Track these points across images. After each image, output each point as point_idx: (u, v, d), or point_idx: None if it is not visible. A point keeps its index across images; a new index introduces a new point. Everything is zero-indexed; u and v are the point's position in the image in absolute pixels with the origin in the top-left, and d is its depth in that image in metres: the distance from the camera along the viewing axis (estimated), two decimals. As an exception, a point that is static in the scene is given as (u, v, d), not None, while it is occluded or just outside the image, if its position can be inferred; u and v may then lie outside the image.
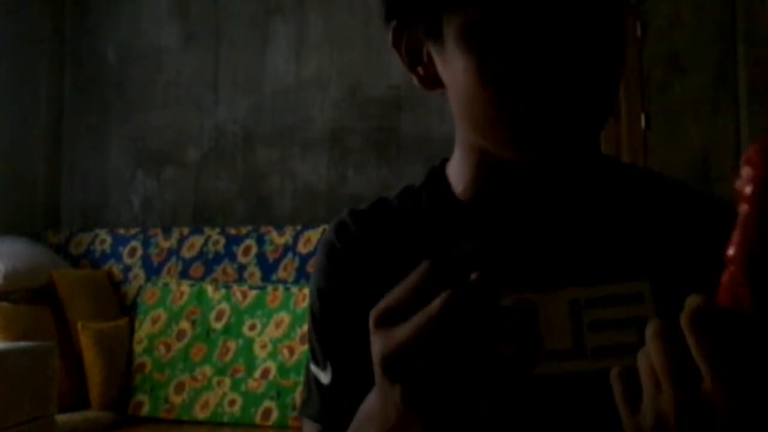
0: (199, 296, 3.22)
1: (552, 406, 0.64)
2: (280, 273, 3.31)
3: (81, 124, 3.96)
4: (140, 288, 3.39)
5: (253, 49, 3.78)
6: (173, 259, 3.46)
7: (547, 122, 0.59)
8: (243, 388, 3.02)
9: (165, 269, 3.45)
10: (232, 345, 3.10)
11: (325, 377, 0.72)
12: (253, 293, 3.17)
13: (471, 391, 0.47)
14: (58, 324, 3.11)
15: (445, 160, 0.75)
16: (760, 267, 0.42)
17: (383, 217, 0.74)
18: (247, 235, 3.42)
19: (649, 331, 0.44)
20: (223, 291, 3.21)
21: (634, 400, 0.46)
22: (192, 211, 3.79)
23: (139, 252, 3.52)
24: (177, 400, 3.06)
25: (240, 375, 3.04)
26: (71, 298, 3.21)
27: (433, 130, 3.24)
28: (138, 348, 3.18)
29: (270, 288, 3.17)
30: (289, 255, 3.32)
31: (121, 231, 3.63)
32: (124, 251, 3.54)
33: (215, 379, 3.06)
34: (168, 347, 3.16)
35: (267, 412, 2.96)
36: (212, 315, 3.17)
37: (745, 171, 0.42)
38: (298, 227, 3.38)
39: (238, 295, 3.18)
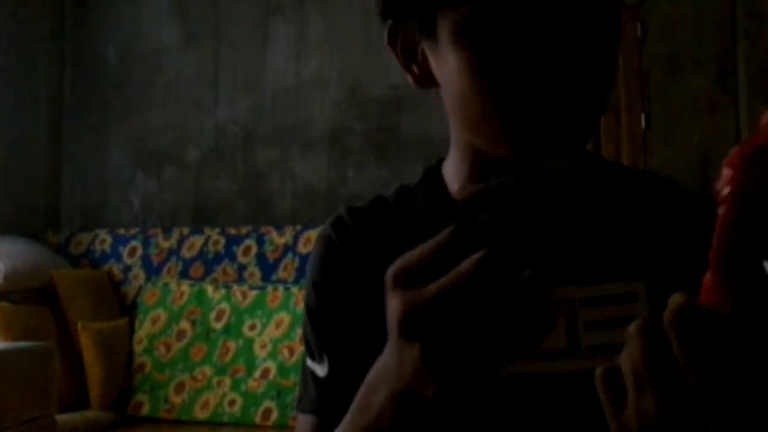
0: (199, 296, 3.22)
1: (550, 406, 0.64)
2: (280, 273, 3.31)
3: (81, 124, 3.96)
4: (140, 288, 3.39)
5: (253, 49, 3.78)
6: (173, 259, 3.46)
7: (539, 121, 0.59)
8: (243, 388, 3.02)
9: (165, 269, 3.45)
10: (232, 345, 3.10)
11: (321, 370, 0.72)
12: (253, 293, 3.17)
13: (488, 355, 0.46)
14: (58, 324, 3.11)
15: (441, 160, 0.75)
16: (737, 268, 0.42)
17: (380, 214, 0.75)
18: (247, 235, 3.43)
19: (632, 329, 0.44)
20: (223, 291, 3.21)
21: (618, 401, 0.45)
22: (192, 211, 3.79)
23: (139, 252, 3.52)
24: (177, 400, 3.06)
25: (240, 375, 3.04)
26: (71, 298, 3.21)
27: (433, 130, 3.24)
28: (138, 348, 3.18)
29: (270, 288, 3.17)
30: (289, 255, 3.32)
31: (121, 231, 3.63)
32: (124, 251, 3.54)
33: (215, 379, 3.06)
34: (168, 347, 3.16)
35: (267, 412, 2.96)
36: (212, 315, 3.17)
37: (725, 172, 0.42)
38: (298, 227, 3.38)
39: (238, 295, 3.18)
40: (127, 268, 3.50)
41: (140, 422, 3.04)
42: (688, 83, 3.40)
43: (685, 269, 0.55)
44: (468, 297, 0.45)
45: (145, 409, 3.07)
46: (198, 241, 3.47)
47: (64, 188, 3.95)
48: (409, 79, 0.69)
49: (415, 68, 0.67)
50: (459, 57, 0.60)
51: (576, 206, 0.68)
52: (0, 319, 2.87)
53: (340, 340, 0.72)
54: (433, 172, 0.75)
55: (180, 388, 3.08)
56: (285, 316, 3.07)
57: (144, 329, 3.21)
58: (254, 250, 3.39)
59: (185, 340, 3.15)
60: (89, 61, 3.97)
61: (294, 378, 2.92)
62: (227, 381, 3.05)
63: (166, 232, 3.55)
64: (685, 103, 3.40)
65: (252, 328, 3.10)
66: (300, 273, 3.23)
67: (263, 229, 3.43)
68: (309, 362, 0.74)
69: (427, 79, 0.67)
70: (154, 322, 3.21)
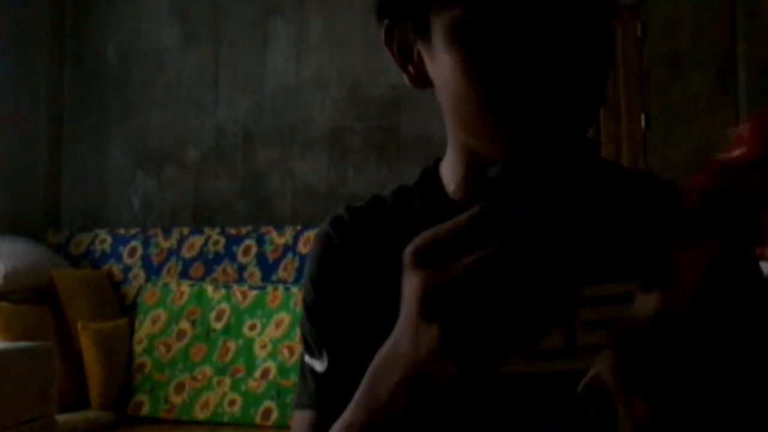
0: (199, 296, 3.22)
1: (549, 406, 0.64)
2: (280, 273, 3.31)
3: (81, 124, 3.96)
4: (140, 288, 3.39)
5: (253, 49, 3.78)
6: (173, 259, 3.46)
7: (531, 123, 0.59)
8: (243, 388, 3.02)
9: (165, 269, 3.45)
10: (232, 345, 3.10)
11: (320, 365, 0.72)
12: (253, 293, 3.17)
13: (508, 339, 0.46)
14: (58, 324, 3.11)
15: (439, 160, 0.76)
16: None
17: (378, 214, 0.76)
18: (247, 235, 3.43)
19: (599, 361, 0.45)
20: (223, 291, 3.21)
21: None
22: (192, 211, 3.79)
23: (139, 252, 3.52)
24: (177, 400, 3.06)
25: (240, 375, 3.04)
26: (71, 298, 3.21)
27: (433, 130, 3.24)
28: (138, 348, 3.18)
29: (270, 288, 3.17)
30: (289, 255, 3.32)
31: (121, 231, 3.63)
32: (124, 251, 3.54)
33: (215, 379, 3.06)
34: (168, 347, 3.16)
35: (267, 412, 2.96)
36: (212, 315, 3.17)
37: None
38: (298, 227, 3.38)
39: (238, 295, 3.18)
40: (127, 268, 3.50)
41: (140, 422, 3.04)
42: (688, 83, 3.40)
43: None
44: (492, 279, 0.45)
45: (145, 409, 3.07)
46: (198, 241, 3.48)
47: (64, 188, 3.95)
48: (406, 79, 0.69)
49: (411, 68, 0.68)
50: (452, 58, 0.60)
51: (570, 206, 0.68)
52: (0, 319, 2.87)
53: (339, 335, 0.72)
54: (431, 173, 0.75)
55: (180, 388, 3.08)
56: (285, 316, 3.07)
57: (144, 329, 3.21)
58: (254, 250, 3.39)
59: (185, 340, 3.15)
60: (89, 61, 3.97)
61: (294, 378, 2.92)
62: (227, 381, 3.05)
63: (166, 232, 3.55)
64: (685, 103, 3.40)
65: (252, 328, 3.10)
66: (300, 273, 3.23)
67: (263, 229, 3.43)
68: (308, 359, 0.74)
69: (422, 80, 0.67)
70: (154, 322, 3.21)
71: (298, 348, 2.98)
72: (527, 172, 0.49)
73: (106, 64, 3.94)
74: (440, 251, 0.47)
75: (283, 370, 2.98)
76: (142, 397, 3.10)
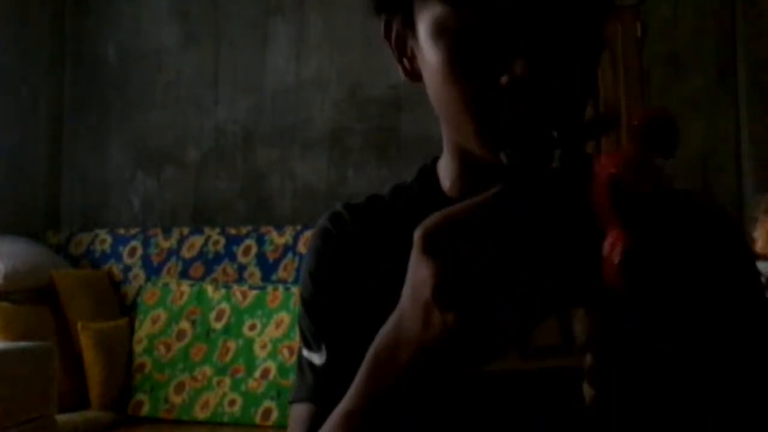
0: (199, 296, 3.22)
1: (541, 403, 0.64)
2: (280, 273, 3.31)
3: (81, 124, 3.96)
4: (140, 288, 3.39)
5: (253, 49, 3.79)
6: (173, 259, 3.46)
7: (510, 122, 0.58)
8: (243, 388, 3.02)
9: (165, 269, 3.45)
10: (232, 345, 3.10)
11: (318, 359, 0.72)
12: (253, 293, 3.17)
13: (519, 320, 0.46)
14: (58, 324, 3.11)
15: (437, 159, 0.76)
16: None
17: (376, 210, 0.76)
18: (247, 235, 3.43)
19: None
20: (223, 291, 3.21)
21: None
22: (192, 211, 3.79)
23: (139, 252, 3.52)
24: (177, 400, 3.06)
25: (240, 375, 3.04)
26: (71, 298, 3.21)
27: (433, 130, 3.21)
28: (138, 348, 3.18)
29: (270, 288, 3.17)
30: (289, 255, 3.32)
31: (121, 231, 3.63)
32: (124, 251, 3.54)
33: (215, 379, 3.06)
34: (168, 347, 3.16)
35: (267, 412, 2.96)
36: (212, 315, 3.17)
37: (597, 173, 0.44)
38: (298, 227, 3.38)
39: (238, 295, 3.18)
40: (127, 268, 3.50)
41: (140, 422, 3.04)
42: (688, 83, 3.40)
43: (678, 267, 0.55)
44: (506, 267, 0.45)
45: (145, 409, 3.07)
46: (198, 241, 3.48)
47: (64, 188, 3.95)
48: (401, 73, 0.70)
49: (405, 62, 0.69)
50: (435, 54, 0.61)
51: (566, 204, 0.68)
52: (0, 319, 2.87)
53: (337, 328, 0.72)
54: (428, 171, 0.76)
55: (180, 388, 3.08)
56: (285, 316, 3.07)
57: (144, 329, 3.21)
58: (254, 250, 3.39)
59: (185, 340, 3.15)
60: (89, 61, 3.97)
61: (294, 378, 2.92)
62: (227, 381, 3.05)
63: (166, 232, 3.55)
64: (685, 103, 3.40)
65: (252, 328, 3.10)
66: (300, 273, 3.23)
67: (263, 229, 3.43)
68: (306, 353, 0.74)
69: (415, 74, 0.68)
70: (154, 322, 3.21)
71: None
72: (534, 161, 0.49)
73: (106, 64, 3.94)
74: (451, 236, 0.46)
75: (283, 370, 2.98)
76: (142, 397, 3.10)
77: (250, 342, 3.07)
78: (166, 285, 3.31)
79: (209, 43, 3.84)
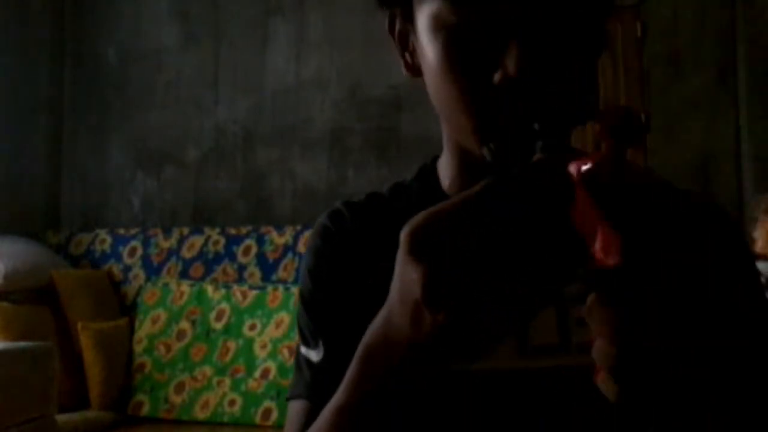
0: (199, 296, 3.22)
1: (539, 403, 0.64)
2: (280, 273, 3.31)
3: (81, 124, 3.96)
4: (140, 288, 3.39)
5: (253, 49, 3.79)
6: (173, 259, 3.46)
7: (506, 119, 0.58)
8: (243, 388, 3.02)
9: (165, 269, 3.45)
10: (232, 345, 3.10)
11: (316, 356, 0.73)
12: (253, 293, 3.17)
13: (508, 316, 0.46)
14: (58, 324, 3.11)
15: (437, 157, 0.77)
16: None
17: (376, 208, 0.77)
18: (247, 235, 3.43)
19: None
20: (223, 291, 3.21)
21: None
22: (192, 211, 3.79)
23: (139, 252, 3.52)
24: (177, 400, 3.06)
25: (240, 375, 3.04)
26: (71, 298, 3.21)
27: (433, 130, 3.22)
28: (138, 348, 3.18)
29: (270, 288, 3.17)
30: (289, 255, 3.32)
31: (121, 231, 3.63)
32: (124, 251, 3.54)
33: (215, 379, 3.06)
34: (168, 347, 3.16)
35: (267, 412, 2.96)
36: (212, 315, 3.17)
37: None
38: (298, 227, 3.38)
39: (238, 295, 3.18)
40: (127, 268, 3.50)
41: (140, 422, 3.04)
42: (688, 83, 3.40)
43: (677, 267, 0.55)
44: (494, 262, 0.45)
45: (145, 409, 3.07)
46: (198, 241, 3.48)
47: (64, 188, 3.95)
48: (402, 67, 0.70)
49: (407, 56, 0.69)
50: (432, 49, 0.61)
51: (550, 199, 0.68)
52: (0, 319, 2.87)
53: (335, 325, 0.72)
54: (428, 169, 0.76)
55: (180, 388, 3.08)
56: (285, 316, 3.07)
57: (144, 329, 3.21)
58: (254, 250, 3.39)
59: (185, 340, 3.15)
60: (89, 61, 3.97)
61: (294, 378, 2.92)
62: (227, 381, 3.05)
63: (166, 232, 3.55)
64: (685, 103, 3.40)
65: (252, 328, 3.10)
66: (300, 272, 3.23)
67: (263, 229, 3.43)
68: (303, 350, 0.74)
69: (416, 69, 0.68)
70: (154, 322, 3.21)
71: (298, 348, 2.99)
72: (520, 158, 0.49)
73: (106, 64, 3.94)
74: (437, 234, 0.46)
75: (283, 370, 2.98)
76: (142, 397, 3.10)
77: (250, 342, 3.07)
78: (166, 285, 3.31)
79: (209, 43, 3.84)
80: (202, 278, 3.38)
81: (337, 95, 3.67)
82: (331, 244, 0.75)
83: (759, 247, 2.85)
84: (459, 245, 0.45)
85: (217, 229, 3.50)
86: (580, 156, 0.45)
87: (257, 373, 3.02)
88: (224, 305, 3.17)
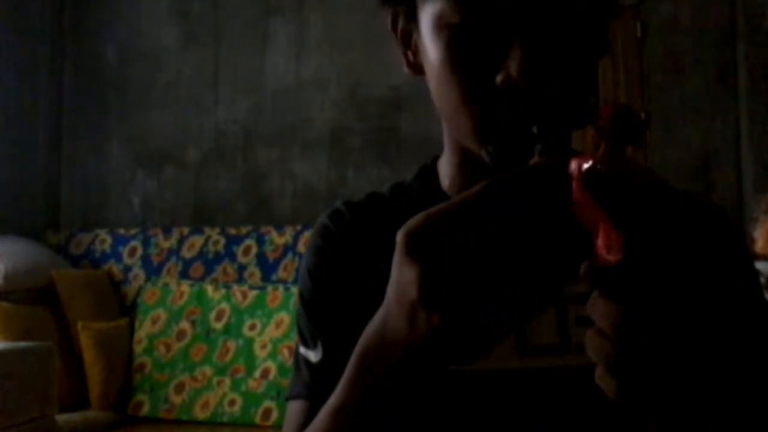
0: (199, 296, 3.22)
1: (539, 402, 0.64)
2: (280, 273, 3.31)
3: (81, 124, 3.96)
4: (140, 288, 3.39)
5: (253, 49, 3.79)
6: (173, 259, 3.46)
7: (507, 120, 0.58)
8: (243, 388, 3.02)
9: (165, 269, 3.45)
10: (232, 345, 3.10)
11: (314, 356, 0.73)
12: (253, 293, 3.17)
13: (504, 318, 0.46)
14: (58, 324, 3.11)
15: (437, 157, 0.77)
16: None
17: (376, 207, 0.77)
18: (247, 235, 3.43)
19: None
20: (223, 291, 3.21)
21: None
22: (192, 211, 3.79)
23: (139, 252, 3.52)
24: (177, 400, 3.06)
25: (240, 375, 3.04)
26: (71, 298, 3.21)
27: (433, 130, 3.22)
28: (138, 348, 3.18)
29: (270, 288, 3.17)
30: (289, 255, 3.32)
31: (121, 231, 3.63)
32: (124, 251, 3.54)
33: (215, 379, 3.06)
34: (168, 347, 3.16)
35: (267, 412, 2.96)
36: (212, 315, 3.17)
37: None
38: (298, 227, 3.38)
39: (238, 295, 3.18)
40: (127, 268, 3.50)
41: (140, 422, 3.04)
42: (688, 83, 3.40)
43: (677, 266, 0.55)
44: (490, 263, 0.45)
45: (145, 409, 3.07)
46: (198, 241, 3.48)
47: (64, 188, 3.95)
48: (404, 65, 0.70)
49: (409, 54, 0.69)
50: (435, 49, 0.61)
51: (548, 200, 0.68)
52: (0, 319, 2.87)
53: (334, 325, 0.72)
54: (428, 169, 0.76)
55: (180, 388, 3.08)
56: (285, 316, 3.07)
57: (144, 329, 3.21)
58: (254, 250, 3.39)
59: (185, 340, 3.15)
60: (89, 61, 3.97)
61: (294, 378, 2.92)
62: (227, 381, 3.05)
63: (166, 232, 3.55)
64: (685, 103, 3.40)
65: (252, 328, 3.10)
66: (300, 273, 3.23)
67: (263, 229, 3.43)
68: (302, 350, 0.75)
69: (418, 67, 0.68)
70: (154, 322, 3.21)
71: (298, 348, 2.99)
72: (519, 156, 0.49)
73: (106, 63, 3.94)
74: (434, 235, 0.46)
75: (283, 370, 2.98)
76: (142, 397, 3.10)
77: (250, 342, 3.07)
78: (166, 285, 3.31)
79: (209, 43, 3.84)
80: (202, 278, 3.38)
81: (337, 95, 3.67)
82: (331, 244, 0.75)
83: (759, 247, 2.85)
84: (456, 246, 0.45)
85: (217, 229, 3.50)
86: (579, 156, 0.45)
87: (257, 373, 3.02)
88: (224, 305, 3.17)
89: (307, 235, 3.29)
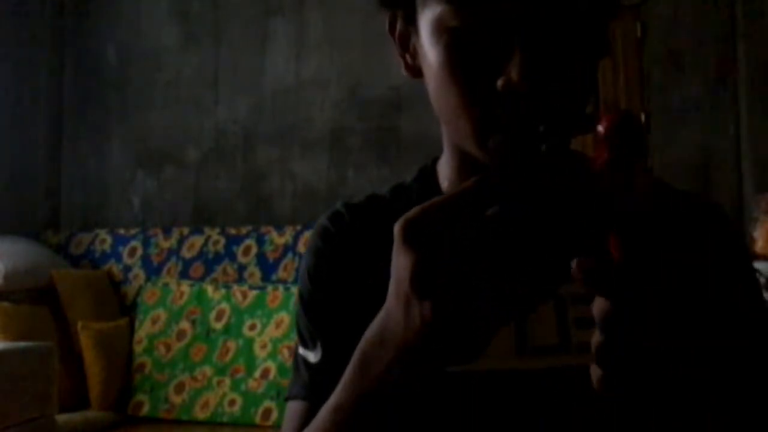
0: (199, 296, 3.22)
1: (539, 402, 0.64)
2: (280, 273, 3.31)
3: (81, 124, 3.96)
4: (140, 288, 3.39)
5: (253, 49, 3.79)
6: (173, 259, 3.46)
7: (507, 122, 0.58)
8: (243, 388, 3.02)
9: (165, 269, 3.45)
10: (232, 345, 3.10)
11: (314, 357, 0.73)
12: (253, 293, 3.17)
13: (500, 313, 0.46)
14: (58, 324, 3.11)
15: (437, 159, 0.77)
16: None
17: (376, 209, 0.77)
18: (247, 235, 3.43)
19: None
20: (223, 291, 3.21)
21: None
22: (192, 211, 3.79)
23: (139, 252, 3.52)
24: (177, 400, 3.06)
25: (240, 375, 3.04)
26: (71, 298, 3.21)
27: (433, 130, 3.21)
28: (138, 348, 3.18)
29: (270, 288, 3.17)
30: (289, 255, 3.32)
31: (121, 231, 3.63)
32: (124, 251, 3.54)
33: (215, 379, 3.06)
34: (168, 347, 3.16)
35: (267, 412, 2.96)
36: (212, 315, 3.17)
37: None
38: (298, 227, 3.38)
39: (238, 295, 3.18)
40: (127, 268, 3.50)
41: (140, 422, 3.04)
42: (688, 83, 3.40)
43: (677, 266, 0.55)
44: (486, 254, 0.44)
45: (145, 409, 3.07)
46: (198, 241, 3.48)
47: (64, 188, 3.95)
48: (402, 68, 0.70)
49: (407, 57, 0.69)
50: (434, 52, 0.61)
51: (550, 193, 0.68)
52: (0, 319, 2.87)
53: (333, 326, 0.72)
54: (428, 171, 0.77)
55: (180, 388, 3.08)
56: (285, 316, 3.07)
57: (144, 329, 3.21)
58: (254, 250, 3.39)
59: (185, 340, 3.15)
60: (89, 61, 3.97)
61: (294, 378, 2.92)
62: (227, 381, 3.05)
63: (166, 232, 3.55)
64: (685, 103, 3.40)
65: (252, 328, 3.10)
66: (299, 273, 3.23)
67: (263, 229, 3.43)
68: (301, 350, 0.75)
69: (416, 70, 0.68)
70: (154, 322, 3.21)
71: (298, 348, 2.99)
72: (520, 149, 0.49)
73: (106, 64, 3.94)
74: (431, 225, 0.46)
75: (283, 370, 2.98)
76: (142, 397, 3.10)
77: (250, 342, 3.08)
78: (166, 285, 3.31)
79: (209, 43, 3.84)
80: (202, 278, 3.38)
81: (337, 95, 3.67)
82: (330, 245, 0.75)
83: (759, 247, 2.85)
84: (452, 236, 0.45)
85: (217, 229, 3.50)
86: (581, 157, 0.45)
87: (257, 373, 3.02)
88: (224, 305, 3.17)
89: (307, 235, 3.29)
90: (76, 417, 2.89)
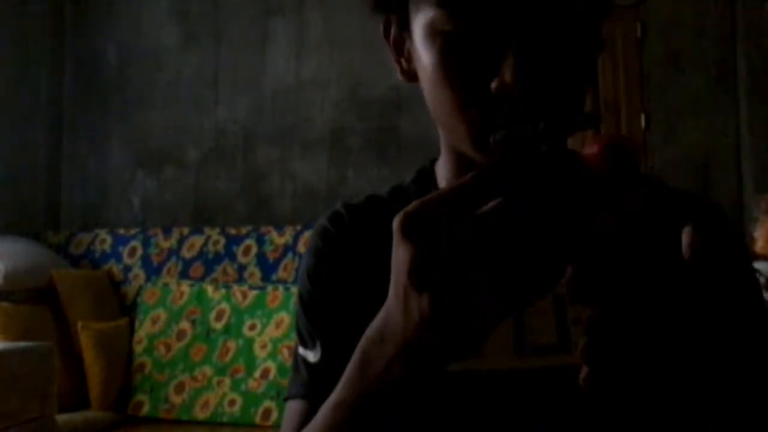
0: (199, 296, 3.22)
1: (539, 402, 0.65)
2: (280, 273, 3.31)
3: (81, 124, 3.96)
4: (140, 288, 3.39)
5: (253, 49, 3.79)
6: (173, 259, 3.46)
7: (505, 121, 0.58)
8: (243, 388, 3.02)
9: (165, 269, 3.45)
10: (232, 345, 3.10)
11: (313, 356, 0.73)
12: (253, 293, 3.17)
13: (499, 307, 0.46)
14: (58, 324, 3.11)
15: (435, 160, 0.77)
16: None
17: (375, 210, 0.77)
18: (247, 235, 3.43)
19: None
20: (223, 291, 3.21)
21: None
22: (192, 211, 3.79)
23: (139, 252, 3.52)
24: (177, 400, 3.06)
25: (240, 375, 3.04)
26: (71, 298, 3.21)
27: (433, 131, 3.21)
28: (138, 348, 3.18)
29: (270, 288, 3.17)
30: (289, 255, 3.32)
31: (121, 231, 3.63)
32: (124, 251, 3.54)
33: (215, 379, 3.06)
34: (168, 347, 3.16)
35: (267, 412, 2.96)
36: (212, 315, 3.17)
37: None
38: (298, 227, 3.38)
39: (238, 295, 3.18)
40: (127, 268, 3.50)
41: (140, 422, 3.04)
42: (688, 83, 3.40)
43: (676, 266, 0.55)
44: (484, 248, 0.44)
45: (145, 409, 3.07)
46: (198, 241, 3.48)
47: (64, 188, 3.96)
48: (397, 72, 0.70)
49: (403, 61, 0.69)
50: (428, 56, 0.61)
51: (547, 187, 0.68)
52: (0, 319, 2.87)
53: (332, 326, 0.73)
54: (426, 172, 0.77)
55: (180, 388, 3.08)
56: (285, 316, 3.07)
57: (144, 329, 3.21)
58: (254, 250, 3.39)
59: (185, 340, 3.15)
60: (89, 61, 3.97)
61: (294, 378, 2.92)
62: (227, 381, 3.05)
63: (166, 232, 3.55)
64: (685, 103, 3.40)
65: (252, 328, 3.10)
66: (299, 273, 3.23)
67: (263, 229, 3.43)
68: (301, 350, 0.75)
69: (411, 74, 0.68)
70: (154, 322, 3.21)
71: (298, 348, 2.99)
72: (522, 142, 0.49)
73: (106, 64, 3.94)
74: (429, 219, 0.46)
75: (283, 370, 2.98)
76: (142, 397, 3.10)
77: (250, 342, 3.08)
78: (166, 285, 3.31)
79: (209, 43, 3.84)
80: (202, 278, 3.38)
81: (337, 95, 3.67)
82: (330, 246, 0.76)
83: (759, 247, 2.85)
84: (451, 229, 0.45)
85: (217, 229, 3.50)
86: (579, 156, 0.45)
87: (257, 373, 3.02)
88: (224, 305, 3.17)
89: (307, 235, 3.29)
90: (76, 417, 2.89)
